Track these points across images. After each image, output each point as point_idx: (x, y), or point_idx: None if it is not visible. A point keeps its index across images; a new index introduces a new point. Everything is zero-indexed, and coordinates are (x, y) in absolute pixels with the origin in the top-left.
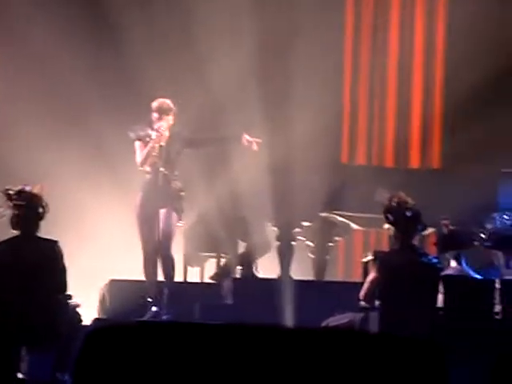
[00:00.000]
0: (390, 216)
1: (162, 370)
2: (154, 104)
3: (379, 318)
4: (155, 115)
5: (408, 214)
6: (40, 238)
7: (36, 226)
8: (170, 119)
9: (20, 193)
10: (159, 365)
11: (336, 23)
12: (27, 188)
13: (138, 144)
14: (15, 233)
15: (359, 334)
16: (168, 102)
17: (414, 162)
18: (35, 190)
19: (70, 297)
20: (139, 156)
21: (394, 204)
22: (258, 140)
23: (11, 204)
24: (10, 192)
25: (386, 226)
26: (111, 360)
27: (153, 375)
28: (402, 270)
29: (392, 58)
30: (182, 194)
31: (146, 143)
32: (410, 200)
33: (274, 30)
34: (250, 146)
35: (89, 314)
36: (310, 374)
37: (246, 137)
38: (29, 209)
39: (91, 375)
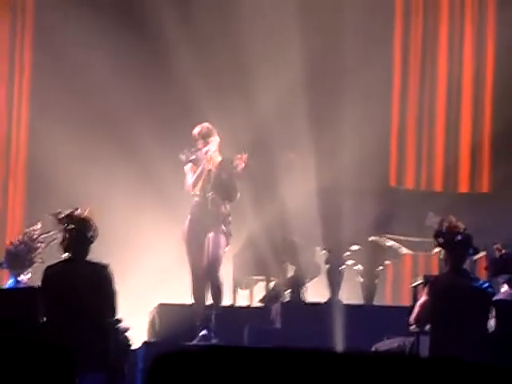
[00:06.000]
0: (440, 240)
1: None
2: (195, 132)
3: (430, 343)
4: (200, 142)
5: (459, 237)
6: (90, 261)
7: (86, 250)
8: (215, 139)
9: (70, 216)
10: None
11: (385, 48)
12: (77, 212)
13: (188, 167)
14: (65, 256)
15: (411, 358)
16: (206, 124)
17: (463, 186)
18: (85, 214)
19: (119, 321)
20: (189, 179)
21: (444, 228)
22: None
23: (61, 227)
24: (61, 216)
25: (436, 249)
26: None
27: None
28: (452, 295)
29: (441, 82)
30: (230, 218)
31: (196, 167)
32: (460, 224)
33: (321, 54)
34: (239, 163)
35: (138, 337)
36: None
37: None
38: (79, 232)
39: None
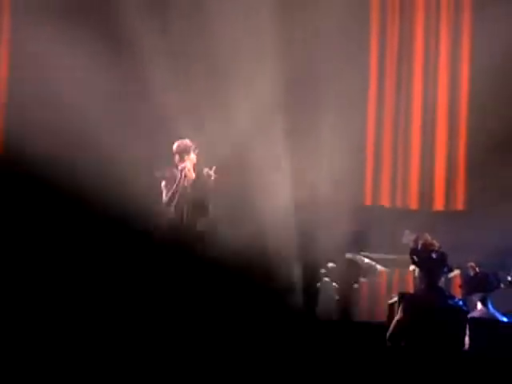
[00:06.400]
0: (415, 258)
1: None
2: (174, 147)
3: (405, 360)
4: (177, 157)
5: (434, 255)
6: None
7: None
8: (192, 157)
9: None
10: None
11: (361, 64)
12: None
13: (163, 184)
14: None
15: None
16: (186, 141)
17: (439, 203)
18: None
19: None
20: (165, 196)
21: (419, 246)
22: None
23: None
24: None
25: (412, 267)
26: None
27: None
28: (427, 312)
29: (416, 101)
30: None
31: (171, 184)
32: (435, 242)
33: (297, 71)
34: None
35: None
36: None
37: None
38: None
39: None
